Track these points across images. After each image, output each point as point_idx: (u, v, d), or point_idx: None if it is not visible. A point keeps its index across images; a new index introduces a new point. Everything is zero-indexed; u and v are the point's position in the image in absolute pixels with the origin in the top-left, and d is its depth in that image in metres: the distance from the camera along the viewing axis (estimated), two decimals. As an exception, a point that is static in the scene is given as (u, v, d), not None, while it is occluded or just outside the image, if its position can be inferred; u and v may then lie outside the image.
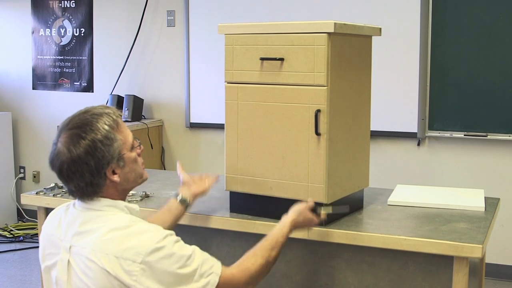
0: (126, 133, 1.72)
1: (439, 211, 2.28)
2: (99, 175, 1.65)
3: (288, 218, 1.95)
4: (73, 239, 1.66)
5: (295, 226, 1.95)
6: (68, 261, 1.66)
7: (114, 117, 1.69)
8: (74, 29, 5.33)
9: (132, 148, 1.73)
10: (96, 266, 1.59)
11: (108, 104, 4.93)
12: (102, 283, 1.58)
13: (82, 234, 1.65)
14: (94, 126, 1.64)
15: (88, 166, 1.62)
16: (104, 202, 1.69)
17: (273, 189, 2.16)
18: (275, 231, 1.90)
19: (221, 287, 1.67)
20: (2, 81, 5.70)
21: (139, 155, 1.77)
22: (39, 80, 5.51)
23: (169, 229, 1.73)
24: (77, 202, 1.73)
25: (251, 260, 1.79)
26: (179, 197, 2.07)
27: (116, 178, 1.68)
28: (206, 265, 1.66)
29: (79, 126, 1.64)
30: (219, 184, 2.28)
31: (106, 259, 1.58)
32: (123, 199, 1.75)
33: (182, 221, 2.13)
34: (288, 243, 2.07)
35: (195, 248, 1.67)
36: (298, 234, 2.07)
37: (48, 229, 1.77)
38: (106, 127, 1.65)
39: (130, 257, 1.57)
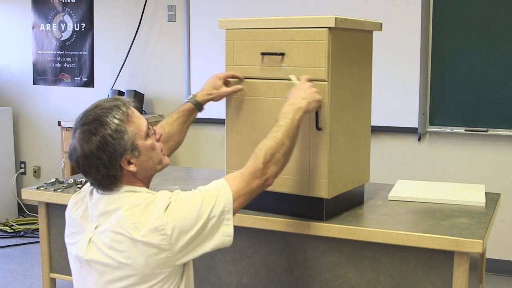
0: (139, 122, 1.73)
1: (440, 206, 2.28)
2: (114, 168, 1.68)
3: (287, 101, 1.95)
4: (99, 219, 1.71)
5: (296, 100, 1.94)
6: (90, 239, 1.70)
7: (124, 109, 1.71)
8: (75, 24, 5.32)
9: (147, 136, 1.74)
10: (125, 238, 1.64)
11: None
12: (133, 253, 1.63)
13: (107, 214, 1.69)
14: (103, 121, 1.67)
15: (101, 161, 1.66)
16: (124, 188, 1.72)
17: (273, 184, 2.16)
18: (278, 118, 1.90)
19: (239, 186, 1.75)
20: (3, 76, 5.69)
21: (158, 140, 1.79)
22: (39, 75, 5.51)
23: (178, 127, 2.13)
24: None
25: (258, 145, 1.82)
26: (190, 97, 2.20)
27: (132, 168, 1.71)
28: (211, 185, 1.74)
29: (90, 122, 1.68)
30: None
31: (132, 228, 1.63)
32: (147, 185, 1.79)
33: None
34: (289, 238, 2.08)
35: (194, 189, 1.74)
36: (299, 230, 2.08)
37: (74, 209, 1.81)
38: (115, 120, 1.68)
39: (154, 215, 1.64)
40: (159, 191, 1.73)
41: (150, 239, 1.62)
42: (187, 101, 2.20)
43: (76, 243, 1.76)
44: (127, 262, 1.64)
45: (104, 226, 1.68)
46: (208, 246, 1.70)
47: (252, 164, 1.80)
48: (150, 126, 1.77)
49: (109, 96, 4.90)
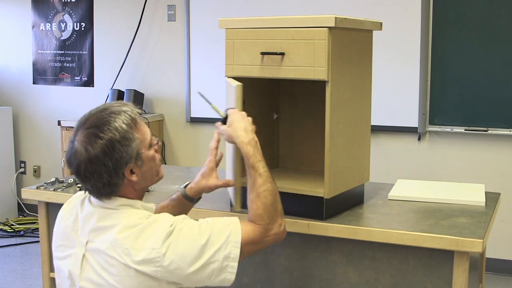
0: (144, 131, 1.67)
1: (440, 205, 2.28)
2: (117, 176, 1.61)
3: (238, 141, 1.79)
4: (90, 235, 1.64)
5: (248, 134, 1.80)
6: (84, 255, 1.64)
7: (132, 115, 1.64)
8: (75, 24, 5.32)
9: (150, 146, 1.69)
10: (118, 262, 1.58)
11: (108, 99, 4.94)
12: (124, 279, 1.57)
13: (99, 230, 1.63)
14: (112, 125, 1.60)
15: (106, 167, 1.59)
16: (120, 201, 1.65)
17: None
18: (246, 162, 1.78)
19: (249, 241, 1.66)
20: (3, 75, 5.69)
21: (156, 151, 1.73)
22: (39, 75, 5.51)
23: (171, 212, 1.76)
24: (92, 198, 1.69)
25: (254, 206, 1.73)
26: (181, 190, 1.98)
27: (134, 177, 1.65)
28: (220, 223, 1.64)
29: (97, 125, 1.60)
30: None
31: (126, 253, 1.57)
32: (141, 197, 1.72)
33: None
34: (288, 237, 2.06)
35: (204, 219, 1.66)
36: (299, 229, 2.08)
37: (63, 220, 1.74)
38: (124, 126, 1.61)
39: (150, 245, 1.57)
40: (159, 214, 1.66)
41: (144, 269, 1.56)
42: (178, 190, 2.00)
43: (66, 258, 1.69)
44: (118, 286, 1.58)
45: (96, 244, 1.62)
46: (204, 283, 1.62)
47: (260, 224, 1.71)
48: (153, 136, 1.72)
49: (109, 96, 4.91)
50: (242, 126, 1.82)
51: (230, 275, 1.62)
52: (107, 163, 1.58)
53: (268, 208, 1.73)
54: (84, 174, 1.60)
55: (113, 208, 1.65)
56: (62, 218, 1.75)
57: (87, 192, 1.71)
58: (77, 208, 1.72)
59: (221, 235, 1.62)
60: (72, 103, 5.36)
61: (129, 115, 1.64)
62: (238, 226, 1.66)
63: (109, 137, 1.58)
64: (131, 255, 1.57)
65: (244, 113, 1.86)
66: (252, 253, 1.70)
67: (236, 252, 1.62)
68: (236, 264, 1.62)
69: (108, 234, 1.61)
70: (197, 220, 1.66)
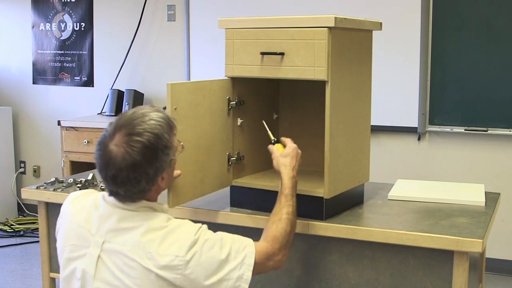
0: (175, 137, 1.69)
1: (440, 205, 2.28)
2: (152, 183, 1.62)
3: (283, 170, 1.95)
4: (107, 235, 1.62)
5: (293, 169, 1.96)
6: (99, 256, 1.62)
7: (171, 122, 1.66)
8: (75, 24, 5.32)
9: (176, 151, 1.71)
10: (139, 265, 1.57)
11: (108, 99, 4.94)
12: (143, 282, 1.56)
13: (119, 231, 1.61)
14: (156, 133, 1.59)
15: (146, 175, 1.59)
16: (142, 203, 1.65)
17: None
18: (280, 189, 1.92)
19: (258, 262, 1.69)
20: (3, 75, 5.69)
21: None
22: (39, 75, 5.51)
23: None
24: (108, 197, 1.67)
25: (273, 227, 1.82)
26: None
27: (163, 184, 1.67)
28: (238, 243, 1.69)
29: (142, 133, 1.58)
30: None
31: (149, 257, 1.57)
32: (156, 199, 1.72)
33: (183, 216, 2.13)
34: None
35: (223, 233, 1.70)
36: (299, 229, 2.08)
37: (74, 219, 1.70)
38: (166, 135, 1.61)
39: (174, 252, 1.57)
40: (180, 220, 1.66)
41: (165, 274, 1.57)
42: None
43: (79, 258, 1.66)
44: None
45: (114, 245, 1.60)
46: None
47: (272, 245, 1.78)
48: (179, 141, 1.74)
49: (109, 96, 4.91)
50: (294, 163, 1.97)
51: None
52: (149, 171, 1.59)
53: (285, 235, 1.81)
54: (121, 181, 1.58)
55: (134, 210, 1.64)
56: (73, 216, 1.71)
57: (104, 193, 1.69)
58: (90, 208, 1.69)
59: (238, 255, 1.66)
60: (72, 103, 5.36)
61: (168, 122, 1.64)
62: (253, 250, 1.70)
63: (155, 146, 1.58)
64: (155, 260, 1.56)
65: (300, 153, 2.01)
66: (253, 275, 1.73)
67: (248, 274, 1.66)
68: (247, 286, 1.66)
69: (130, 235, 1.60)
70: (215, 233, 1.68)
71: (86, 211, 1.69)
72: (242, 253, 1.67)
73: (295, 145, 2.01)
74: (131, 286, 1.57)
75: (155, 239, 1.58)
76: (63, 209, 1.77)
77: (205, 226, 1.69)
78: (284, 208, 1.87)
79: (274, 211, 1.88)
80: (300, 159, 2.01)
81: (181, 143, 1.75)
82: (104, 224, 1.64)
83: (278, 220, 1.84)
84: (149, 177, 1.60)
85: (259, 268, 1.72)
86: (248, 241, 1.72)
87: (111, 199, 1.66)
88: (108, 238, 1.62)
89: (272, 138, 2.13)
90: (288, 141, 2.03)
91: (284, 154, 1.99)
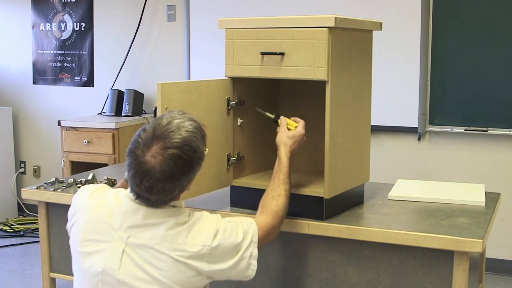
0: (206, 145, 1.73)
1: (440, 205, 2.28)
2: (183, 190, 1.69)
3: (282, 149, 2.03)
4: (133, 230, 1.65)
5: (292, 151, 2.04)
6: (123, 250, 1.64)
7: (203, 132, 1.69)
8: (75, 24, 5.32)
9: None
10: (168, 257, 1.62)
11: (108, 99, 4.94)
12: (173, 273, 1.62)
13: (145, 227, 1.65)
14: (193, 147, 1.63)
15: (181, 185, 1.65)
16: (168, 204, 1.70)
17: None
18: (278, 166, 2.00)
19: (261, 238, 1.79)
20: (3, 75, 5.69)
21: None
22: (39, 75, 5.51)
23: None
24: (131, 194, 1.68)
25: (274, 202, 1.93)
26: None
27: (190, 187, 1.72)
28: (244, 223, 1.78)
29: (179, 146, 1.61)
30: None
31: (178, 249, 1.63)
32: (179, 198, 1.76)
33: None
34: (289, 237, 2.07)
35: (230, 218, 1.79)
36: (299, 229, 2.08)
37: (94, 214, 1.70)
38: (200, 147, 1.66)
39: (201, 242, 1.65)
40: (198, 212, 1.73)
41: (194, 263, 1.64)
42: None
43: (97, 253, 1.66)
44: (164, 281, 1.62)
45: (141, 240, 1.63)
46: (231, 278, 1.75)
47: (272, 220, 1.89)
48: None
49: (109, 96, 4.91)
50: (294, 147, 2.05)
51: (252, 272, 1.76)
52: (184, 182, 1.66)
53: (284, 210, 1.93)
54: (156, 191, 1.62)
55: (159, 207, 1.68)
56: (91, 211, 1.70)
57: (125, 191, 1.71)
58: (112, 203, 1.70)
59: (247, 236, 1.76)
60: (72, 103, 5.36)
61: (201, 132, 1.68)
62: (256, 227, 1.80)
63: (191, 160, 1.63)
64: (184, 251, 1.63)
65: (304, 140, 2.09)
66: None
67: (256, 251, 1.77)
68: (256, 262, 1.76)
69: (157, 230, 1.64)
70: (226, 219, 1.77)
71: (108, 206, 1.70)
72: (250, 232, 1.76)
73: (303, 132, 2.07)
74: (159, 278, 1.62)
75: (182, 231, 1.65)
76: (78, 203, 1.76)
77: (219, 215, 1.77)
78: (282, 185, 1.96)
79: (273, 187, 1.97)
80: (296, 138, 2.07)
81: (206, 149, 1.75)
82: (128, 220, 1.66)
83: (278, 196, 1.94)
84: (182, 187, 1.67)
85: (262, 243, 1.81)
86: (250, 219, 1.81)
87: (131, 194, 1.68)
88: (133, 233, 1.65)
89: (273, 116, 2.18)
90: (301, 125, 2.09)
91: (291, 135, 2.06)
